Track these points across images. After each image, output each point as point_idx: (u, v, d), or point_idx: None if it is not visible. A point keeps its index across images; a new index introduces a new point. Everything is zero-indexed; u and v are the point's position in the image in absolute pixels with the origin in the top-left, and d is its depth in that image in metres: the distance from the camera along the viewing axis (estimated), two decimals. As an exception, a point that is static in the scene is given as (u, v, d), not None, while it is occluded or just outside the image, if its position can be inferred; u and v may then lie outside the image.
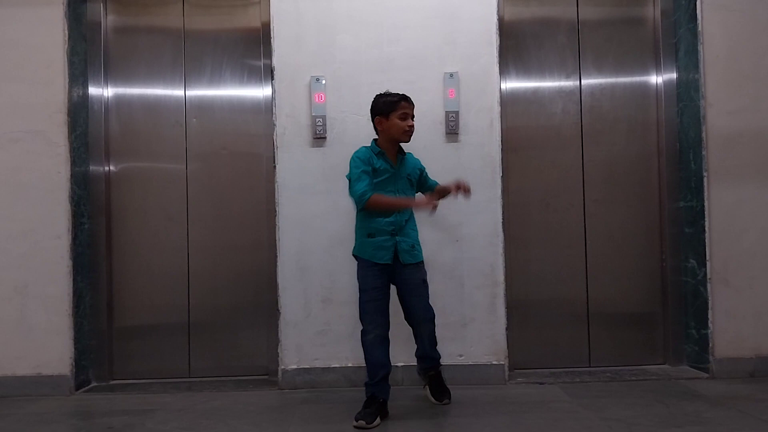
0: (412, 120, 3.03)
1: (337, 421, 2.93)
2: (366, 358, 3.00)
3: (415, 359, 3.21)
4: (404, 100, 3.03)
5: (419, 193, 3.21)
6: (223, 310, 3.81)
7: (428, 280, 3.13)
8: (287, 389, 3.50)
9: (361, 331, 3.02)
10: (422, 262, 3.10)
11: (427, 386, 3.19)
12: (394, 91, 3.12)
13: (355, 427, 2.82)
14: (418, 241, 3.11)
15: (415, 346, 3.17)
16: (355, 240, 3.09)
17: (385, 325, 3.01)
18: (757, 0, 3.62)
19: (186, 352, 3.81)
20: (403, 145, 3.11)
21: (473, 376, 3.47)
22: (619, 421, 2.82)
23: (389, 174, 3.01)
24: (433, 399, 3.15)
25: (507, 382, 3.52)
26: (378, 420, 2.87)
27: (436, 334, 3.13)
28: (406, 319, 3.09)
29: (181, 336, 3.81)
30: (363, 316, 3.01)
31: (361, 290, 3.03)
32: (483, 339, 3.53)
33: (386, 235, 2.98)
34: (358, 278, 3.05)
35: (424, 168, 3.22)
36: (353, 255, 3.10)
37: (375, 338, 2.98)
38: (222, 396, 3.44)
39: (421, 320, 3.06)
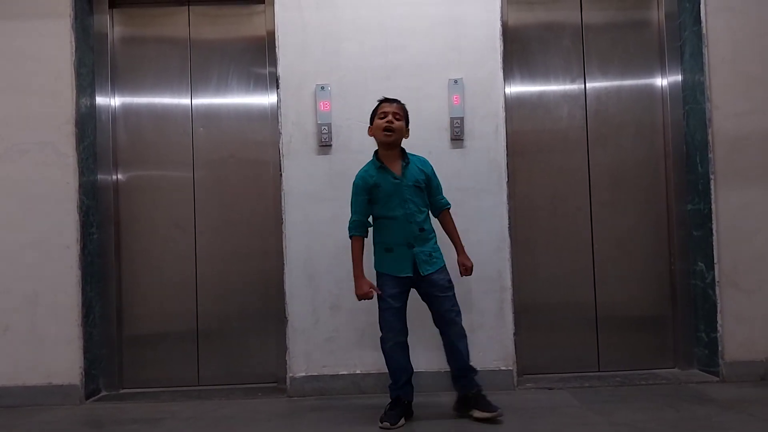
0: (394, 117, 3.01)
1: (346, 428, 2.93)
2: (387, 363, 3.04)
3: (452, 381, 3.08)
4: (385, 101, 3.09)
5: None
6: (231, 317, 3.82)
7: (453, 284, 3.09)
8: (296, 397, 3.50)
9: (380, 338, 3.04)
10: (444, 265, 3.08)
11: (474, 409, 2.96)
12: (398, 97, 3.14)
13: (381, 428, 2.88)
14: (436, 247, 3.08)
15: (451, 362, 3.06)
16: (374, 255, 3.09)
17: (403, 332, 3.03)
18: (762, 2, 3.62)
19: (195, 360, 3.82)
20: (410, 151, 3.13)
21: (482, 381, 3.42)
22: (629, 425, 2.81)
23: (393, 185, 3.01)
24: (486, 413, 2.91)
25: (516, 388, 3.51)
26: (402, 421, 2.93)
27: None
28: (435, 323, 3.05)
29: (189, 344, 3.82)
30: (381, 323, 3.03)
31: (378, 299, 3.04)
32: (491, 344, 3.52)
33: (403, 248, 2.99)
34: (378, 288, 3.05)
35: (433, 173, 3.14)
36: (375, 269, 3.09)
37: (394, 345, 3.01)
38: (231, 404, 3.44)
39: (450, 320, 3.00)
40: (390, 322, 3.00)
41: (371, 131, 3.11)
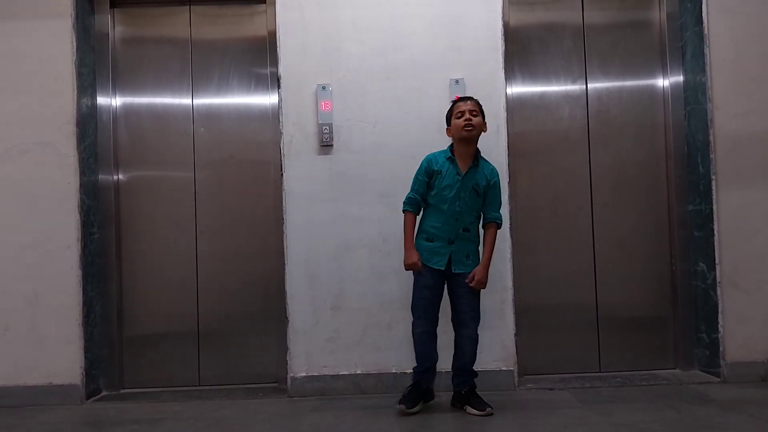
0: (471, 114, 3.07)
1: (346, 428, 2.92)
2: (415, 348, 3.15)
3: (451, 378, 3.21)
4: (459, 101, 3.17)
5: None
6: (232, 317, 3.82)
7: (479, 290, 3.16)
8: (296, 397, 3.50)
9: (412, 323, 3.15)
10: None
11: (466, 406, 3.10)
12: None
13: (398, 410, 3.03)
14: (476, 251, 3.15)
15: (454, 359, 3.19)
16: (415, 240, 3.15)
17: (434, 322, 3.12)
18: (764, 2, 3.61)
19: (195, 360, 3.82)
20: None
21: (483, 382, 3.43)
22: (629, 426, 2.80)
23: (452, 180, 3.08)
24: (477, 411, 3.03)
25: (517, 388, 3.50)
26: (419, 406, 3.08)
27: (443, 341, 3.16)
28: (452, 320, 3.16)
29: (190, 344, 3.82)
30: (413, 310, 3.15)
31: (414, 287, 3.15)
32: (492, 345, 3.52)
33: (443, 242, 3.09)
34: (414, 274, 3.15)
35: (496, 185, 3.16)
36: None
37: (422, 333, 3.11)
38: (232, 404, 3.44)
39: (464, 322, 3.11)
40: (421, 311, 3.11)
41: (450, 131, 3.17)
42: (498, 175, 3.20)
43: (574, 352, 3.80)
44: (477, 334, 3.13)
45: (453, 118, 3.14)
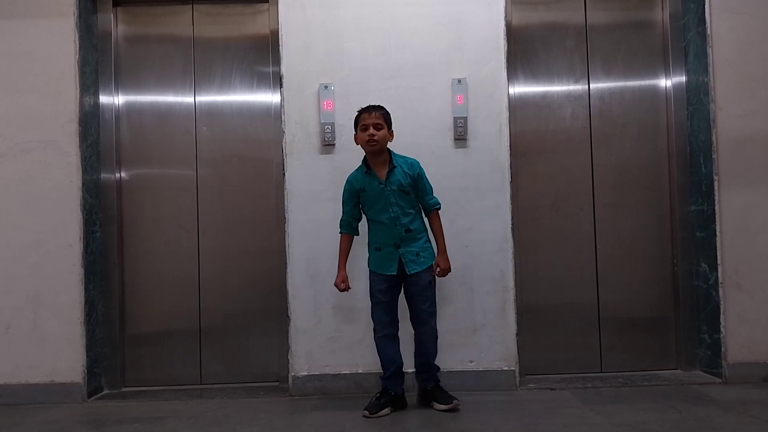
0: (375, 128, 3.09)
1: (347, 428, 2.93)
2: (378, 354, 3.20)
3: (414, 374, 3.27)
4: (364, 111, 3.17)
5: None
6: (233, 316, 3.83)
7: (438, 287, 3.23)
8: (298, 396, 3.50)
9: (373, 329, 3.22)
10: (431, 265, 3.20)
11: (432, 401, 3.16)
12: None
13: (363, 416, 3.05)
14: (426, 246, 3.20)
15: (416, 356, 3.23)
16: (367, 252, 3.26)
17: (393, 325, 3.19)
18: (767, 3, 3.60)
19: (197, 359, 3.82)
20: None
21: (484, 382, 3.46)
22: (630, 426, 2.80)
23: (377, 190, 3.13)
24: (443, 405, 3.11)
25: (518, 388, 3.50)
26: (386, 411, 3.09)
27: (446, 341, 3.25)
28: (411, 320, 3.22)
29: (192, 343, 3.82)
30: (373, 316, 3.22)
31: (370, 294, 3.23)
32: (493, 345, 3.52)
33: (391, 248, 3.15)
34: (369, 282, 3.23)
35: (420, 175, 3.18)
36: (367, 266, 3.27)
37: (383, 337, 3.18)
38: (233, 403, 3.45)
39: (423, 320, 3.17)
40: (379, 316, 3.18)
41: (356, 140, 3.21)
42: (419, 164, 3.21)
43: (575, 352, 3.79)
44: (436, 330, 3.19)
45: (358, 129, 3.16)
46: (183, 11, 3.90)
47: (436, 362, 3.21)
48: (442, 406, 3.11)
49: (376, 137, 3.09)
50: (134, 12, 3.90)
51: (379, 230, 3.17)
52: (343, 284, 3.22)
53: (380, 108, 3.19)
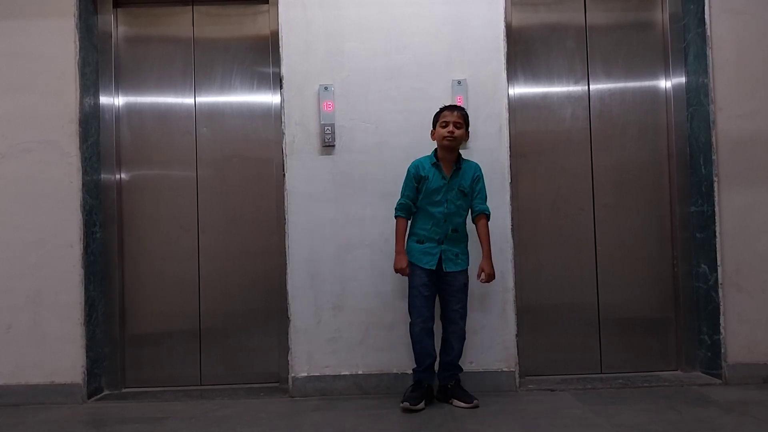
0: (455, 126, 3.19)
1: (348, 429, 2.93)
2: (413, 348, 3.24)
3: (437, 372, 3.30)
4: (446, 109, 3.27)
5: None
6: (234, 317, 3.82)
7: (468, 287, 3.28)
8: (298, 397, 3.50)
9: (410, 323, 3.25)
10: (467, 269, 3.28)
11: (453, 399, 3.23)
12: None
13: (402, 408, 3.11)
14: (465, 250, 3.29)
15: (442, 354, 3.29)
16: (407, 243, 3.30)
17: (430, 319, 3.23)
18: (767, 3, 3.60)
19: (197, 359, 3.82)
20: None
21: (484, 383, 3.45)
22: (630, 427, 2.80)
23: (439, 185, 3.21)
24: (464, 404, 3.18)
25: (518, 389, 3.50)
26: (423, 404, 3.15)
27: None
28: (441, 317, 3.29)
29: (192, 343, 3.82)
30: (410, 309, 3.26)
31: (409, 286, 3.26)
32: (493, 346, 3.52)
33: (433, 243, 3.21)
34: (408, 276, 3.26)
35: (479, 180, 3.30)
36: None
37: (421, 330, 3.20)
38: (233, 404, 3.45)
39: (454, 319, 3.24)
40: (418, 308, 3.21)
41: (434, 136, 3.29)
42: (480, 168, 3.34)
43: (575, 353, 3.79)
44: (464, 331, 3.26)
45: (438, 125, 3.25)
46: (183, 12, 3.91)
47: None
48: (463, 404, 3.17)
49: (455, 134, 3.19)
50: (135, 13, 3.91)
51: (428, 222, 3.22)
52: (406, 267, 3.23)
53: (462, 108, 3.31)
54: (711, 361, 3.62)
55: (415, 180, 3.24)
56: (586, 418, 2.98)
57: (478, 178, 3.29)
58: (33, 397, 3.50)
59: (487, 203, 3.30)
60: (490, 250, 3.27)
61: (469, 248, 3.31)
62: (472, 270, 3.31)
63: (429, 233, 3.21)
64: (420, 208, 3.26)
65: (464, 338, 3.27)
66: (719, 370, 3.54)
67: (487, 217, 3.29)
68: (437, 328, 3.28)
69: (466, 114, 3.29)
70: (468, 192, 3.25)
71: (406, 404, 3.10)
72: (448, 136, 3.18)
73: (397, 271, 3.26)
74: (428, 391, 3.23)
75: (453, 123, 3.19)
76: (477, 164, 3.33)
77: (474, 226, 3.30)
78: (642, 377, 3.68)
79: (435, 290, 3.24)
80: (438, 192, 3.20)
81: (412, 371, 3.27)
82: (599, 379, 3.67)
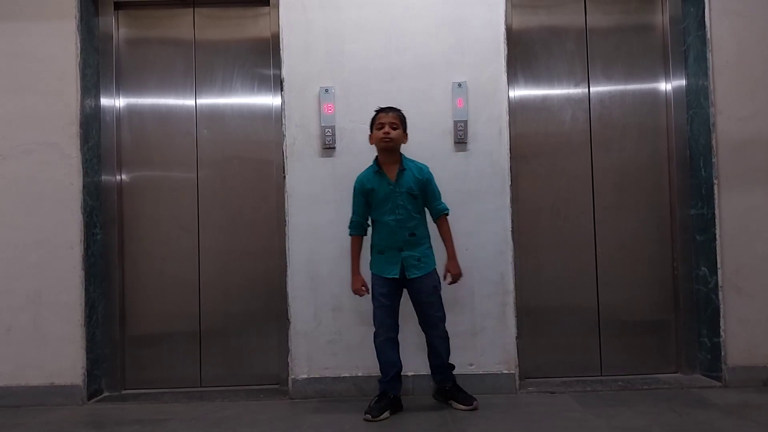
0: (390, 127, 3.16)
1: (348, 431, 2.93)
2: (378, 358, 3.21)
3: (430, 374, 3.31)
4: (381, 111, 3.24)
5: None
6: (234, 318, 3.83)
7: (439, 289, 3.23)
8: (298, 399, 3.50)
9: (374, 333, 3.22)
10: (433, 270, 3.21)
11: (452, 401, 3.23)
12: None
13: (364, 419, 3.04)
14: (428, 252, 3.22)
15: (431, 358, 3.27)
16: (370, 255, 3.26)
17: (394, 329, 3.20)
18: (767, 5, 3.61)
19: (197, 361, 3.82)
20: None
21: (484, 385, 3.45)
22: (630, 430, 2.80)
23: (387, 191, 3.17)
24: (464, 406, 3.17)
25: (518, 391, 3.50)
26: (386, 414, 3.09)
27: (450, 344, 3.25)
28: (420, 324, 3.24)
29: (192, 345, 3.82)
30: (374, 320, 3.22)
31: (372, 297, 3.22)
32: (493, 348, 3.52)
33: (393, 251, 3.17)
34: (371, 286, 3.24)
35: (429, 180, 3.23)
36: (369, 269, 3.25)
37: (385, 340, 3.18)
38: (233, 405, 3.45)
39: (433, 324, 3.21)
40: (381, 319, 3.18)
41: (372, 140, 3.26)
42: (428, 169, 3.27)
43: (575, 355, 3.79)
44: (446, 331, 3.23)
45: (374, 128, 3.23)
46: (184, 14, 3.91)
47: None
48: (463, 407, 3.17)
49: (391, 135, 3.15)
50: (135, 15, 3.91)
51: (383, 232, 3.18)
52: (363, 288, 3.23)
53: (397, 110, 3.26)
54: (711, 363, 3.62)
55: (362, 195, 3.21)
56: (586, 420, 2.98)
57: (428, 180, 3.21)
58: (33, 399, 3.50)
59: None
60: (454, 250, 3.24)
61: (433, 247, 3.24)
62: (442, 262, 3.26)
63: (387, 242, 3.17)
64: (374, 220, 3.23)
65: (448, 338, 3.22)
66: (719, 373, 3.54)
67: (447, 214, 3.25)
68: (420, 335, 3.27)
69: (403, 115, 3.25)
70: (418, 195, 3.18)
71: (368, 416, 3.04)
72: (384, 138, 3.14)
73: (354, 292, 3.25)
74: (394, 401, 3.16)
75: (389, 124, 3.16)
76: (424, 165, 3.26)
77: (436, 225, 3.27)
78: (642, 379, 3.68)
79: (397, 299, 3.20)
80: (387, 200, 3.15)
81: (378, 382, 3.20)
82: (599, 382, 3.67)
